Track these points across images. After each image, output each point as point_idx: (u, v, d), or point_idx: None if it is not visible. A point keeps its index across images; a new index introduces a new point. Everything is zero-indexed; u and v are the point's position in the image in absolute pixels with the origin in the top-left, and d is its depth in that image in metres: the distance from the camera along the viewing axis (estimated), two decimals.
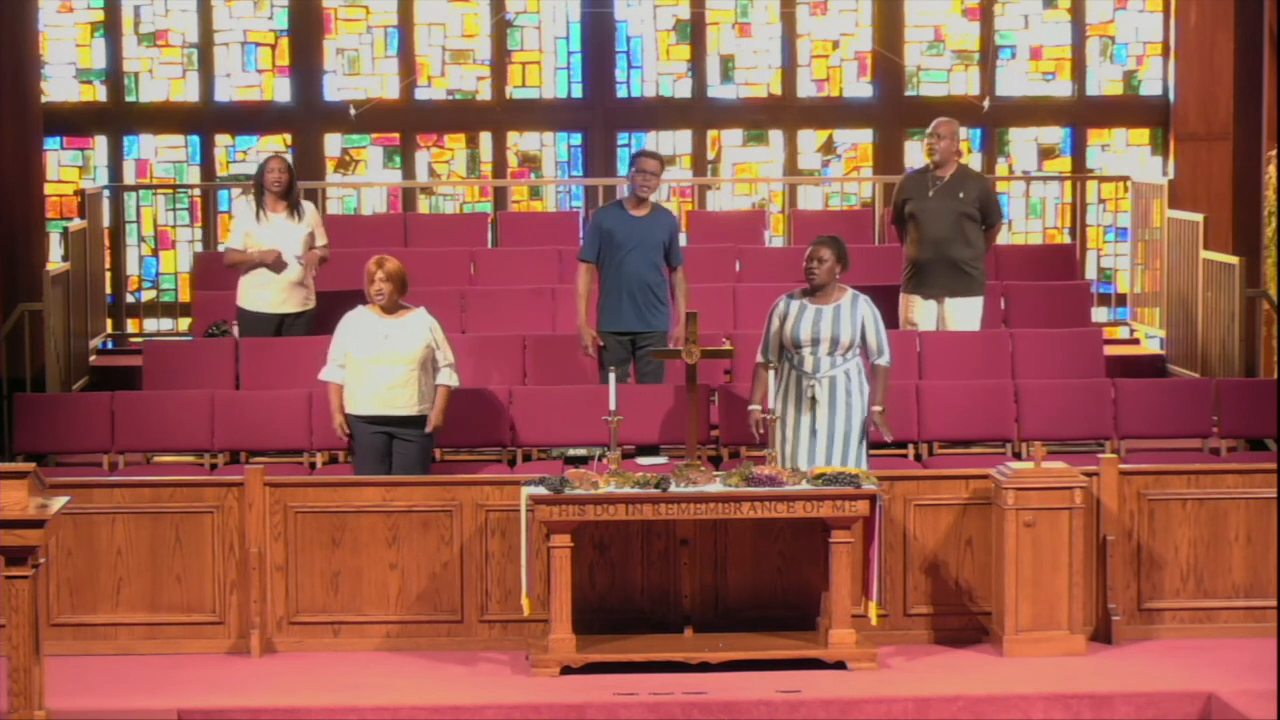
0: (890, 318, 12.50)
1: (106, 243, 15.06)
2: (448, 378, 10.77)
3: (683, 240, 14.81)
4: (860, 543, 9.63)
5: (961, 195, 12.47)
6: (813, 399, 10.32)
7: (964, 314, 12.52)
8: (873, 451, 11.12)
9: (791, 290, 10.58)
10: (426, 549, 9.91)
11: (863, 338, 10.37)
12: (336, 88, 16.01)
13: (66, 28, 15.86)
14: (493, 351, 12.38)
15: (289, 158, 12.83)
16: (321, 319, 12.43)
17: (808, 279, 10.42)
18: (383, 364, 10.62)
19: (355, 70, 16.04)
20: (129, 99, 15.96)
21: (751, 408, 10.58)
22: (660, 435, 11.68)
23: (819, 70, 16.13)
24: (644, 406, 11.57)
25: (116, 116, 15.95)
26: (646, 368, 11.82)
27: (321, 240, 12.68)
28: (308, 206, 12.75)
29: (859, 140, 16.18)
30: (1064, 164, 16.14)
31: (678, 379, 11.19)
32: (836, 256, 10.40)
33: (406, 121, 16.05)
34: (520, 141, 16.15)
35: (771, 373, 10.45)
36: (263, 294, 12.52)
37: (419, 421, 10.71)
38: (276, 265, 12.38)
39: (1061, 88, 16.15)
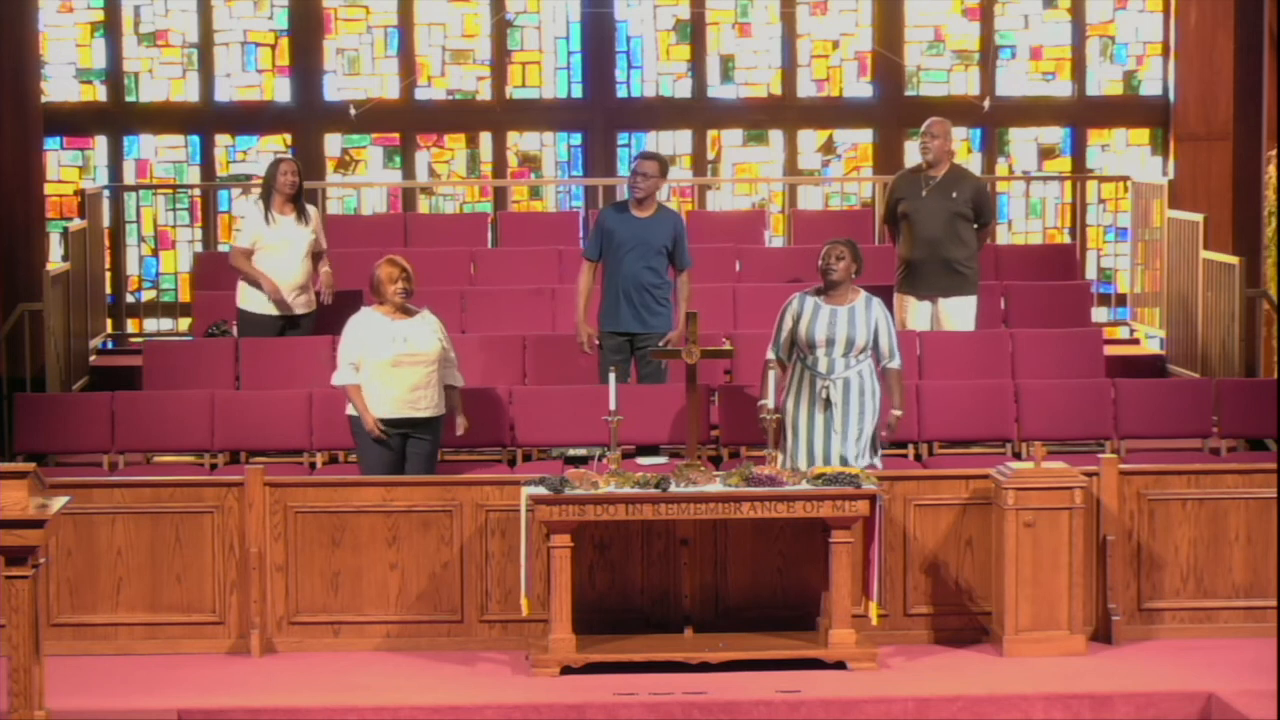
0: None
1: (106, 243, 15.06)
2: (456, 378, 10.75)
3: None
4: (860, 543, 9.62)
5: (955, 195, 12.45)
6: (827, 400, 10.30)
7: (959, 314, 12.50)
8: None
9: (803, 289, 10.56)
10: (426, 549, 9.90)
11: (875, 340, 10.37)
12: (336, 88, 16.00)
13: (66, 28, 15.86)
14: (493, 351, 12.37)
15: (297, 160, 12.81)
16: (321, 320, 12.42)
17: (825, 276, 10.37)
18: (405, 366, 10.54)
19: (355, 70, 16.04)
20: (129, 99, 15.95)
21: (762, 403, 10.37)
22: (660, 435, 11.67)
23: (819, 70, 16.13)
24: (644, 406, 11.57)
25: (116, 116, 15.94)
26: (646, 369, 11.81)
27: (323, 245, 12.64)
28: (311, 210, 12.73)
29: (859, 140, 16.17)
30: (1064, 164, 16.13)
31: (678, 379, 11.18)
32: (853, 256, 10.41)
33: (406, 121, 16.04)
34: (520, 141, 16.15)
35: (781, 371, 10.44)
36: (264, 295, 12.48)
37: (434, 423, 10.67)
38: (273, 294, 12.35)
39: (1061, 88, 16.14)
